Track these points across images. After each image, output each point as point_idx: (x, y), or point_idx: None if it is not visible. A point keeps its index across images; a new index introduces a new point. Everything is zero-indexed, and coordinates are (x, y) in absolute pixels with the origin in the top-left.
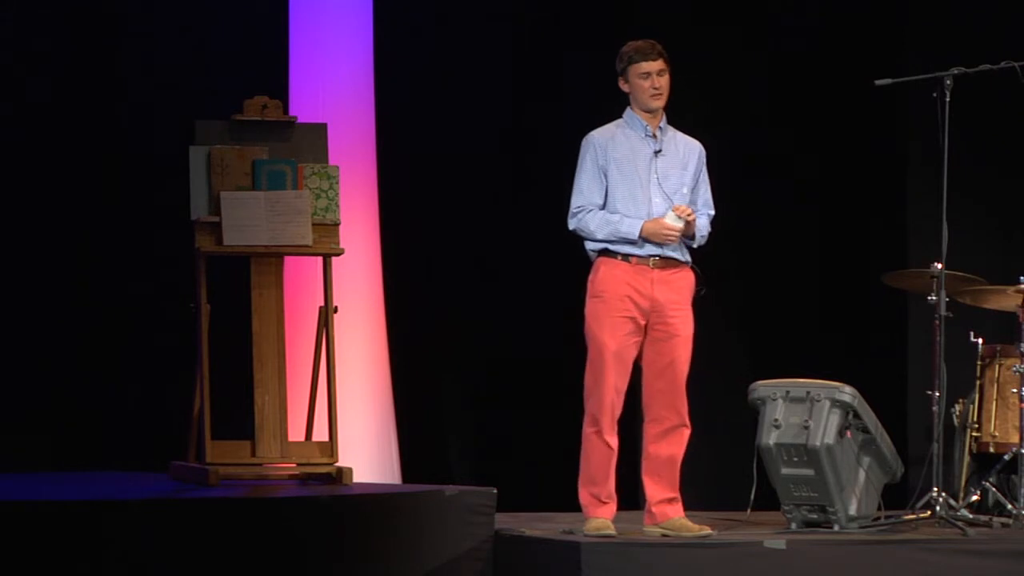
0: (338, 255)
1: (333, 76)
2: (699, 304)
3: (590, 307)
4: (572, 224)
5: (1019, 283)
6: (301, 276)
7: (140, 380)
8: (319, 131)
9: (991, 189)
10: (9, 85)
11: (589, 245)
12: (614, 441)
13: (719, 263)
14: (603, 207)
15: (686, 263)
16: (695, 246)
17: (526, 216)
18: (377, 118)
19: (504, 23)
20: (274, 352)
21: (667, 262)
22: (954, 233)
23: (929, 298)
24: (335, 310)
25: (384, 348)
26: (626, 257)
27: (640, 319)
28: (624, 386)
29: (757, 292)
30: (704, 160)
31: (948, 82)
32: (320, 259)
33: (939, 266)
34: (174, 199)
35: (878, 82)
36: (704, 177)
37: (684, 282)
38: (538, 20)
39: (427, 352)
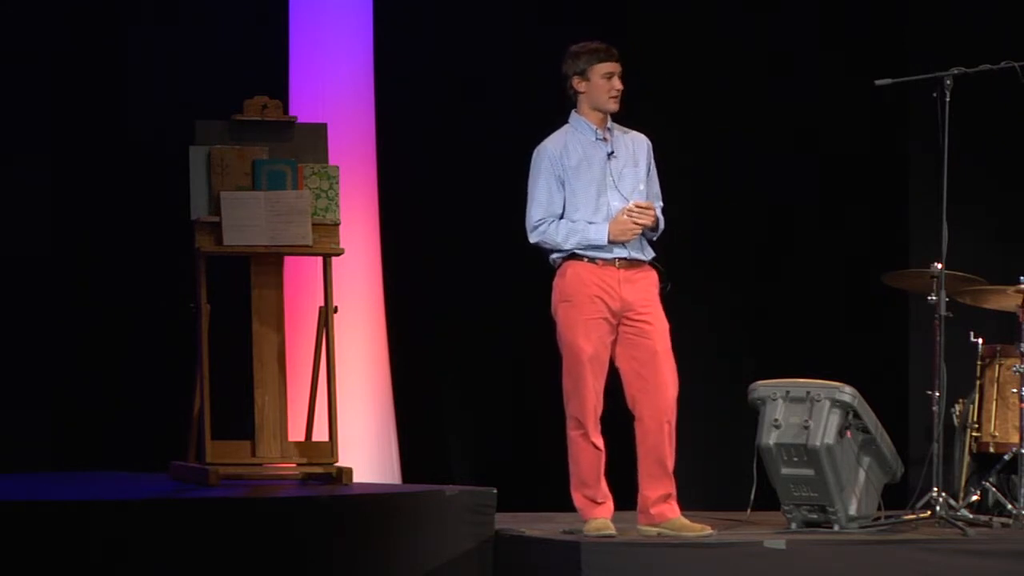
0: (338, 255)
1: (333, 76)
2: (699, 303)
3: (561, 312)
4: (535, 238)
5: (1019, 283)
6: (301, 276)
7: (140, 380)
8: (319, 131)
9: (991, 189)
10: (9, 85)
11: (554, 254)
12: (600, 442)
13: (719, 263)
14: (561, 216)
15: (648, 261)
16: (654, 238)
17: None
18: (377, 118)
19: (505, 22)
20: (274, 352)
21: (632, 262)
22: (954, 233)
23: (929, 298)
24: (335, 310)
25: (384, 348)
26: (592, 259)
27: (612, 319)
28: (602, 386)
29: (757, 292)
30: (652, 153)
31: (948, 82)
32: (320, 259)
33: (939, 266)
34: (174, 199)
35: (878, 82)
36: (653, 170)
37: (649, 280)
38: (538, 19)
39: (427, 352)
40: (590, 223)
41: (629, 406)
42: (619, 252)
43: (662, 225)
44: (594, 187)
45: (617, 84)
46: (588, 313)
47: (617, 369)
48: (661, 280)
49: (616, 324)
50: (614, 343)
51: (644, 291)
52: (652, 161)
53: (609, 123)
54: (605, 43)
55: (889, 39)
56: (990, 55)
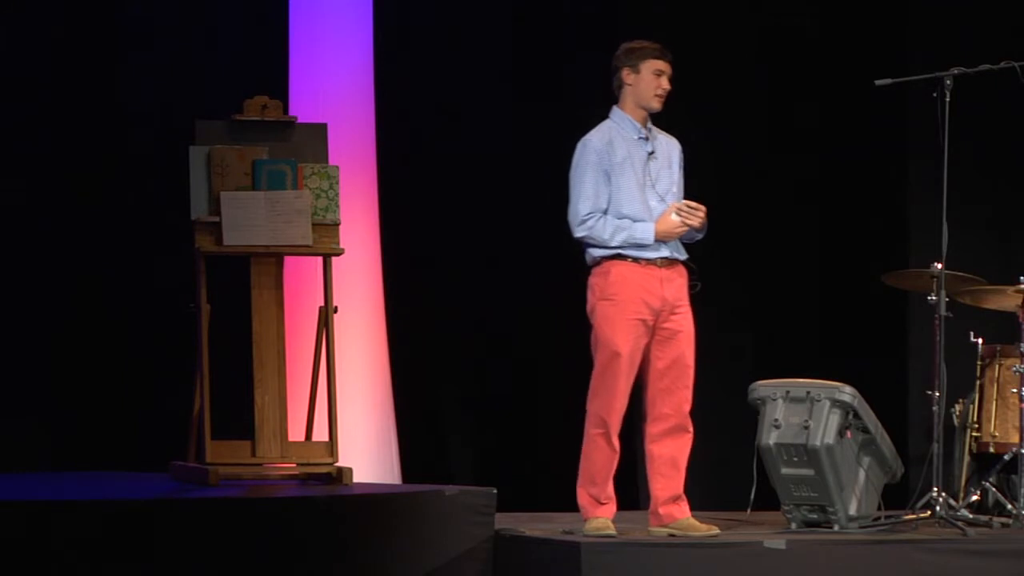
0: (338, 255)
1: (333, 76)
2: (699, 303)
3: (601, 310)
4: (581, 232)
5: (1019, 283)
6: (301, 276)
7: (140, 380)
8: (319, 131)
9: (991, 189)
10: (8, 85)
11: (596, 251)
12: (618, 444)
13: (720, 263)
14: (605, 212)
15: (683, 260)
16: (697, 239)
17: (526, 216)
18: (377, 118)
19: (505, 23)
20: (274, 352)
21: (670, 261)
22: (954, 233)
23: (929, 298)
24: (335, 310)
25: (384, 348)
26: (636, 259)
27: (650, 320)
28: (631, 388)
29: (757, 292)
30: (682, 158)
31: (948, 82)
32: (320, 259)
33: (939, 266)
34: (174, 199)
35: (878, 82)
36: (681, 175)
37: (684, 279)
38: (539, 19)
39: (427, 352)
40: (634, 221)
41: (647, 404)
42: (663, 251)
43: (706, 229)
44: (636, 185)
45: (665, 83)
46: (630, 313)
47: (641, 367)
48: (691, 279)
49: (652, 325)
50: (647, 344)
51: (680, 290)
52: (682, 167)
53: (649, 123)
54: (661, 44)
55: (889, 39)
56: (990, 55)
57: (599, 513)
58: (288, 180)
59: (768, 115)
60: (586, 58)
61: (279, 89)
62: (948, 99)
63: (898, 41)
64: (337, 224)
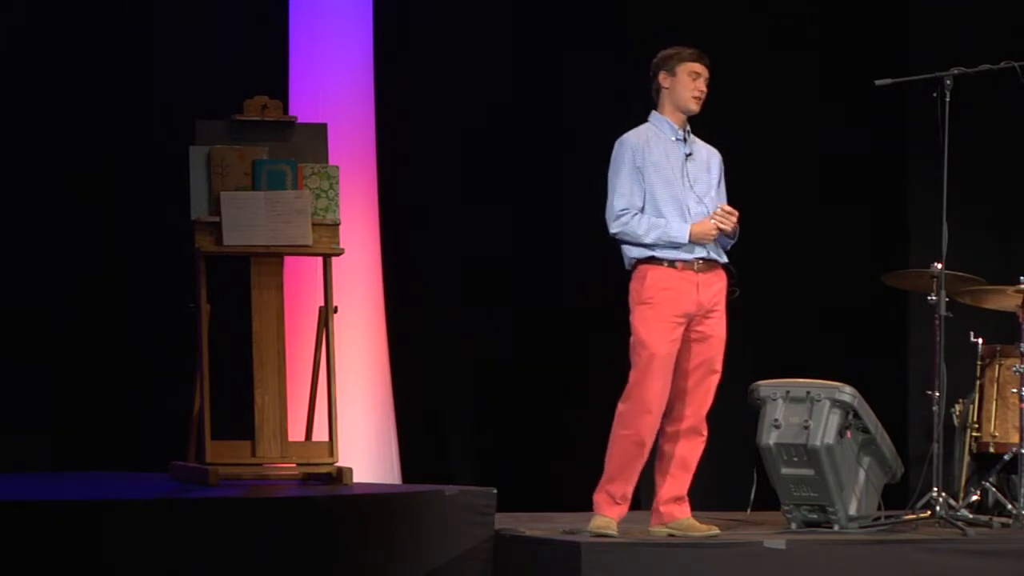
0: (338, 255)
1: (333, 76)
2: None
3: (638, 313)
4: (615, 228)
5: (1019, 283)
6: (301, 276)
7: (140, 380)
8: (319, 131)
9: (991, 189)
10: (9, 85)
11: (632, 252)
12: (648, 446)
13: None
14: (642, 210)
15: (722, 264)
16: (728, 247)
17: (527, 216)
18: (377, 118)
19: (505, 23)
20: (274, 352)
21: (709, 264)
22: (954, 233)
23: (929, 298)
24: (335, 310)
25: (384, 348)
26: (672, 263)
27: (685, 323)
28: (667, 392)
29: (757, 292)
30: (723, 167)
31: (948, 82)
32: (320, 259)
33: (939, 266)
34: (174, 199)
35: (878, 82)
36: (723, 185)
37: (722, 283)
38: (540, 19)
39: (427, 352)
40: (671, 220)
41: (667, 402)
42: (699, 252)
43: (737, 235)
44: (676, 185)
45: (701, 85)
46: (666, 317)
47: None
48: (731, 283)
49: (687, 327)
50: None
51: (717, 295)
52: (723, 176)
53: (687, 127)
54: (697, 49)
55: (889, 39)
56: (990, 55)
57: (608, 512)
58: (288, 180)
59: (767, 115)
60: (586, 58)
61: (279, 89)
62: (948, 99)
63: (898, 41)
64: (337, 224)
